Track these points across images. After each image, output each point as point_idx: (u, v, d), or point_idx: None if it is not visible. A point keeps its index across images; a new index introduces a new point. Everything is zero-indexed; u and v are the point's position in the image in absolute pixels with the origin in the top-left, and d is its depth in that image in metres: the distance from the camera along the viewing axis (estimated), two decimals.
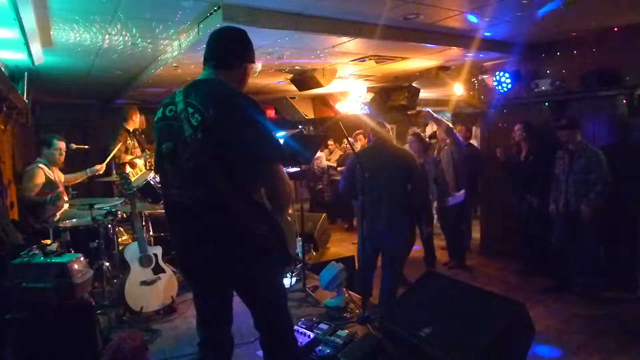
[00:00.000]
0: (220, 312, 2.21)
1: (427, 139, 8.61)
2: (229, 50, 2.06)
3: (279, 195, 2.00)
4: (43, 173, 4.43)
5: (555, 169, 4.51)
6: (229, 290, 2.20)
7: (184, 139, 1.88)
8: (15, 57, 4.20)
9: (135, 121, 6.01)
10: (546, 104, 5.07)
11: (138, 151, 6.04)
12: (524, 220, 5.04)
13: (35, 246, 3.00)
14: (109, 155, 5.42)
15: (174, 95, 2.00)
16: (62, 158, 4.73)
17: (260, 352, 3.24)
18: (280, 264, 2.16)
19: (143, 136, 6.93)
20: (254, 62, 2.16)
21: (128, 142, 5.87)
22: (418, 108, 7.32)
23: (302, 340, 3.14)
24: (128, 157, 5.82)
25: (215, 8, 3.38)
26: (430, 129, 10.04)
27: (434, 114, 5.56)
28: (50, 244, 3.22)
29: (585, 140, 4.36)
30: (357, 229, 4.04)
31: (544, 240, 4.86)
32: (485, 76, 5.80)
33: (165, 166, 2.01)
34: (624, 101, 4.38)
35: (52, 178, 4.52)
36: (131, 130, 5.98)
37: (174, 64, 4.90)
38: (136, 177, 5.26)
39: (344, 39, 4.16)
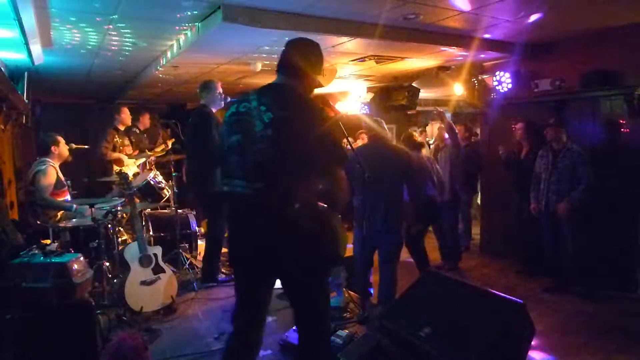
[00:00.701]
0: (257, 306, 2.27)
1: (425, 141, 8.59)
2: (300, 62, 2.23)
3: (336, 196, 2.14)
4: (55, 171, 4.46)
5: (535, 167, 4.54)
6: (271, 286, 2.28)
7: (254, 133, 2.03)
8: (15, 57, 4.20)
9: (125, 119, 6.06)
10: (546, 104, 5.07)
11: (128, 149, 6.06)
12: (523, 219, 5.04)
13: (35, 246, 3.00)
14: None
15: (249, 95, 2.17)
16: (66, 151, 4.77)
17: (260, 352, 3.24)
18: (328, 264, 2.24)
19: (145, 135, 6.92)
20: (320, 74, 2.34)
21: (116, 139, 5.91)
22: (431, 108, 7.33)
23: None
24: (114, 155, 5.85)
25: (215, 8, 3.38)
26: (431, 129, 10.04)
27: (447, 118, 5.61)
28: (50, 244, 3.22)
29: (570, 141, 4.37)
30: (355, 228, 4.03)
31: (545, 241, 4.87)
32: (485, 76, 5.80)
33: (232, 157, 2.14)
34: (624, 101, 4.38)
35: (60, 176, 4.55)
36: (122, 129, 6.03)
37: (174, 64, 4.90)
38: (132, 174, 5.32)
39: (344, 39, 4.16)
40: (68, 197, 4.66)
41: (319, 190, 2.11)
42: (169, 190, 5.35)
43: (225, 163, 2.22)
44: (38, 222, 4.38)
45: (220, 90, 4.60)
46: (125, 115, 6.07)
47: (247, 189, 2.06)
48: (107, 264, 4.10)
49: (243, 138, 2.08)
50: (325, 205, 2.14)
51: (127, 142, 6.09)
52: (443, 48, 4.73)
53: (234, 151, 2.12)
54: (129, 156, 5.99)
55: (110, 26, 3.68)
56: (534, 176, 4.57)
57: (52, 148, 4.54)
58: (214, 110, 4.58)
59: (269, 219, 2.04)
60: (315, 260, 2.09)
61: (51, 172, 4.41)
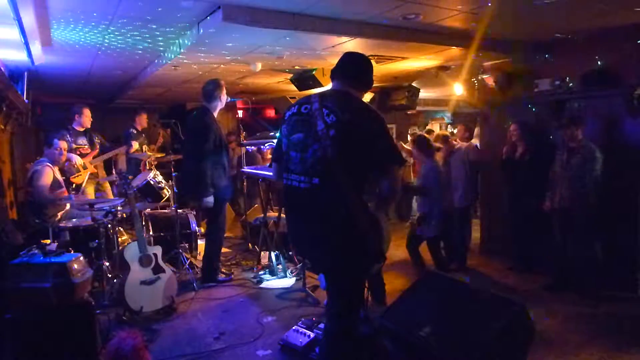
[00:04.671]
0: (330, 286, 2.43)
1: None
2: (359, 73, 2.46)
3: (389, 196, 2.25)
4: (51, 172, 4.49)
5: (554, 167, 4.51)
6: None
7: (316, 132, 2.21)
8: (15, 57, 4.20)
9: (85, 121, 5.77)
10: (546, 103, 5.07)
11: (84, 149, 5.77)
12: (519, 219, 5.04)
13: (35, 246, 3.01)
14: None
15: (310, 97, 2.35)
16: (63, 158, 4.77)
17: (259, 352, 3.25)
18: (372, 260, 2.32)
19: (143, 135, 6.91)
20: (371, 87, 2.59)
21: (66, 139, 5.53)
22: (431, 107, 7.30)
23: (302, 340, 3.15)
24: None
25: (215, 8, 3.39)
26: (431, 127, 10.04)
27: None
28: (49, 244, 3.23)
29: (586, 139, 4.33)
30: None
31: (540, 240, 4.85)
32: (485, 76, 5.80)
33: (293, 154, 2.32)
34: (624, 101, 4.37)
35: (57, 177, 4.59)
36: (80, 130, 5.77)
37: (174, 64, 4.90)
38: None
39: (344, 38, 4.16)
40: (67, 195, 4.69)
41: (372, 189, 2.24)
42: (169, 190, 5.35)
43: (285, 159, 2.39)
44: (38, 222, 4.39)
45: (225, 92, 4.60)
46: (87, 118, 5.77)
47: (305, 184, 2.25)
48: (107, 264, 4.10)
49: (304, 137, 2.26)
50: (376, 204, 2.26)
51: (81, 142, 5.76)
52: (443, 48, 4.73)
53: (294, 148, 2.31)
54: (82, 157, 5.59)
55: (111, 26, 3.69)
56: (550, 176, 4.54)
57: (44, 148, 4.63)
58: (215, 112, 4.58)
59: (323, 212, 2.21)
60: (359, 256, 2.22)
61: (48, 172, 4.45)
